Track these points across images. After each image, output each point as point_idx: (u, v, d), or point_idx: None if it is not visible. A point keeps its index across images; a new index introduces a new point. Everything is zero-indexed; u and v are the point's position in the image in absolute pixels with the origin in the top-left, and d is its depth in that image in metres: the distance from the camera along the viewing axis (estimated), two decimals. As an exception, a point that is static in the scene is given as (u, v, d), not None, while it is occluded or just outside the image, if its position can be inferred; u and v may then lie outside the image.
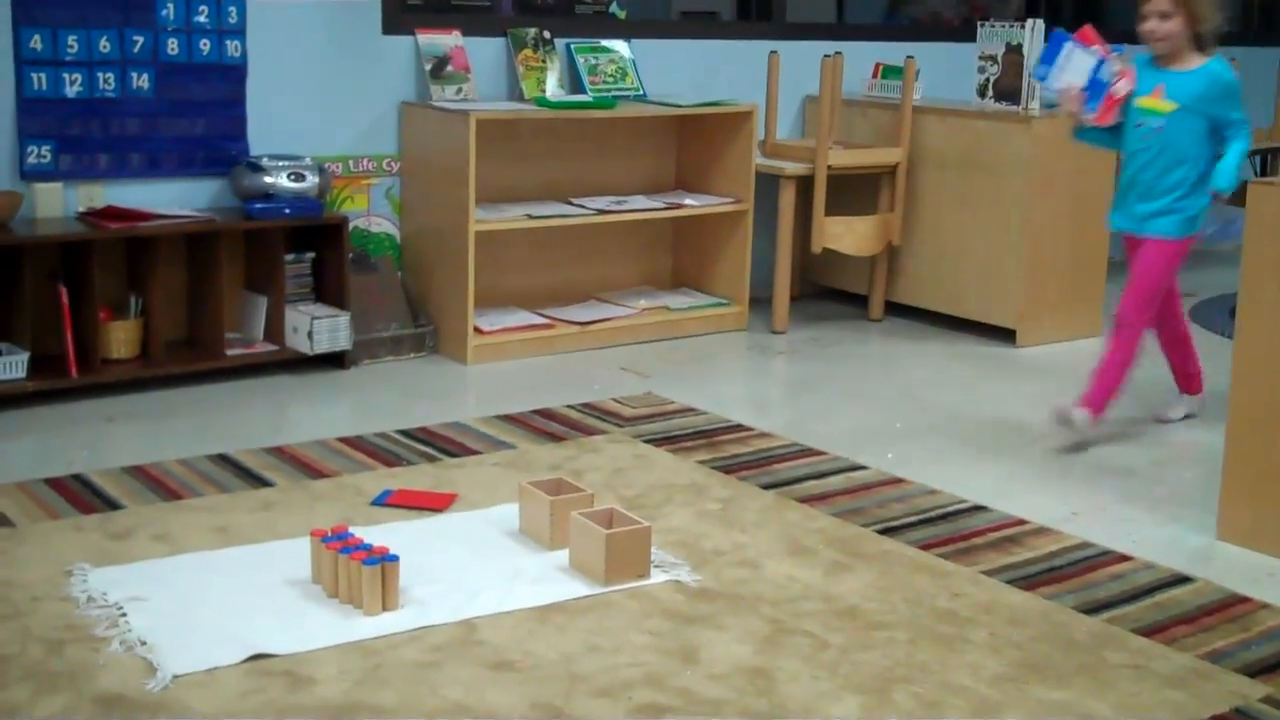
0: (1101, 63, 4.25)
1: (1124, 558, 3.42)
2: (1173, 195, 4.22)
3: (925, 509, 3.72)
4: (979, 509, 3.73)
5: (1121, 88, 4.25)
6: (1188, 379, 4.63)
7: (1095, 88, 4.27)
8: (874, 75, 6.23)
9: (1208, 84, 4.17)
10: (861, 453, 4.16)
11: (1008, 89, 5.68)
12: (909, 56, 5.81)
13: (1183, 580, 3.29)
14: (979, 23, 5.92)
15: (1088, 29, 4.33)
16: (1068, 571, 3.32)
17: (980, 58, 5.80)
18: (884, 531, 3.54)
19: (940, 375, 5.17)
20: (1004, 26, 5.76)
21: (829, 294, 6.32)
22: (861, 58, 6.20)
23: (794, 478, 3.92)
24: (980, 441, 4.36)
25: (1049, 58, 4.34)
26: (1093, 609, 3.11)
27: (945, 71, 6.30)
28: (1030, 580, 3.26)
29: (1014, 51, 5.65)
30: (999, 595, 3.17)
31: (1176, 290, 4.46)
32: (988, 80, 5.77)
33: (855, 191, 5.85)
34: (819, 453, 4.15)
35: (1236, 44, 7.53)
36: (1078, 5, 7.89)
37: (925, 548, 3.43)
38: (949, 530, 3.57)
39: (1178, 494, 3.94)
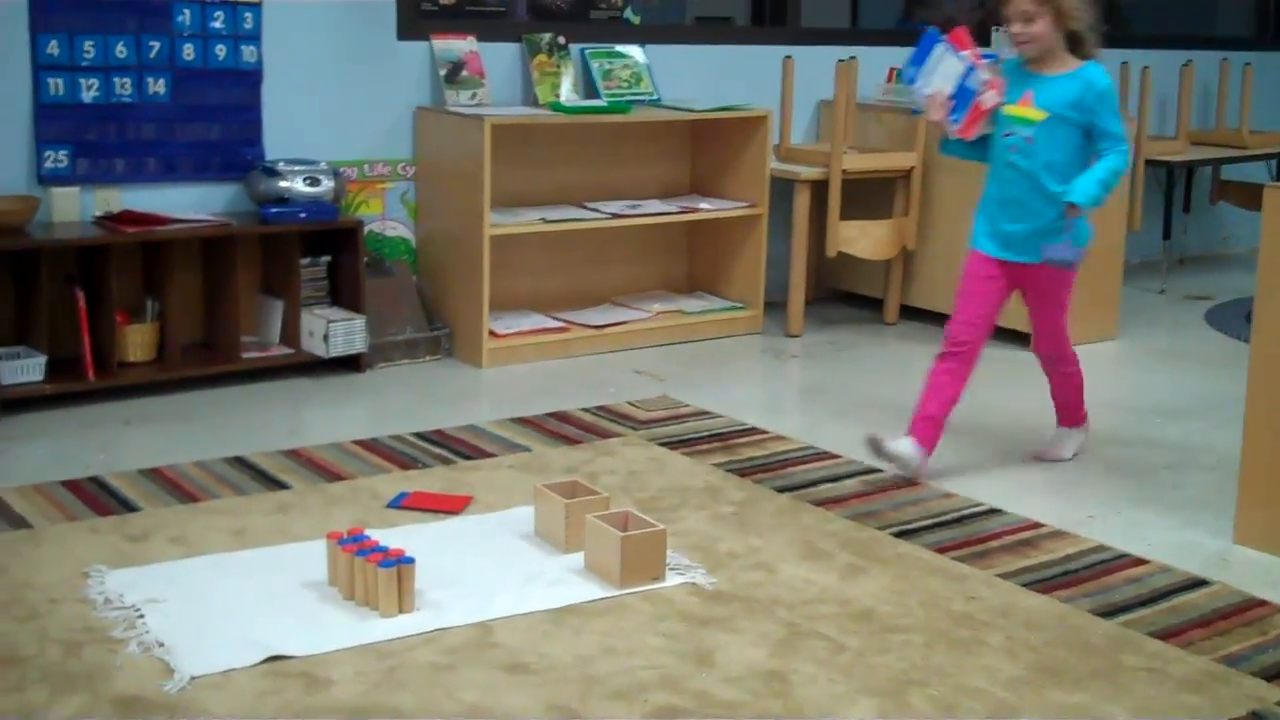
0: (971, 70, 3.86)
1: (1140, 561, 3.41)
2: (1051, 214, 3.83)
3: (940, 512, 3.71)
4: (994, 512, 3.72)
5: (989, 99, 3.86)
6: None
7: (962, 96, 3.88)
8: (888, 80, 6.23)
9: (1081, 89, 3.80)
10: (877, 457, 4.15)
11: (1022, 93, 5.66)
12: (923, 60, 5.81)
13: (1199, 584, 3.29)
14: (994, 28, 5.91)
15: (961, 30, 3.93)
16: (1084, 575, 3.32)
17: (995, 62, 5.79)
18: (899, 535, 3.54)
19: (955, 379, 5.15)
20: (1019, 30, 5.74)
21: (844, 298, 6.32)
22: (876, 62, 6.19)
23: (809, 481, 3.92)
24: (995, 445, 4.36)
25: (919, 58, 3.93)
26: (1109, 612, 3.11)
27: (960, 75, 6.29)
28: (1046, 583, 3.25)
29: (1029, 55, 5.64)
30: (1015, 598, 3.16)
31: (994, 322, 4.03)
32: (1002, 84, 5.75)
33: (870, 196, 5.85)
34: (834, 456, 4.15)
35: (1253, 49, 7.52)
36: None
37: (941, 551, 3.43)
38: (965, 533, 3.56)
39: (1194, 497, 3.93)
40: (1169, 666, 2.85)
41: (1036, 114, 3.83)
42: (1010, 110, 3.87)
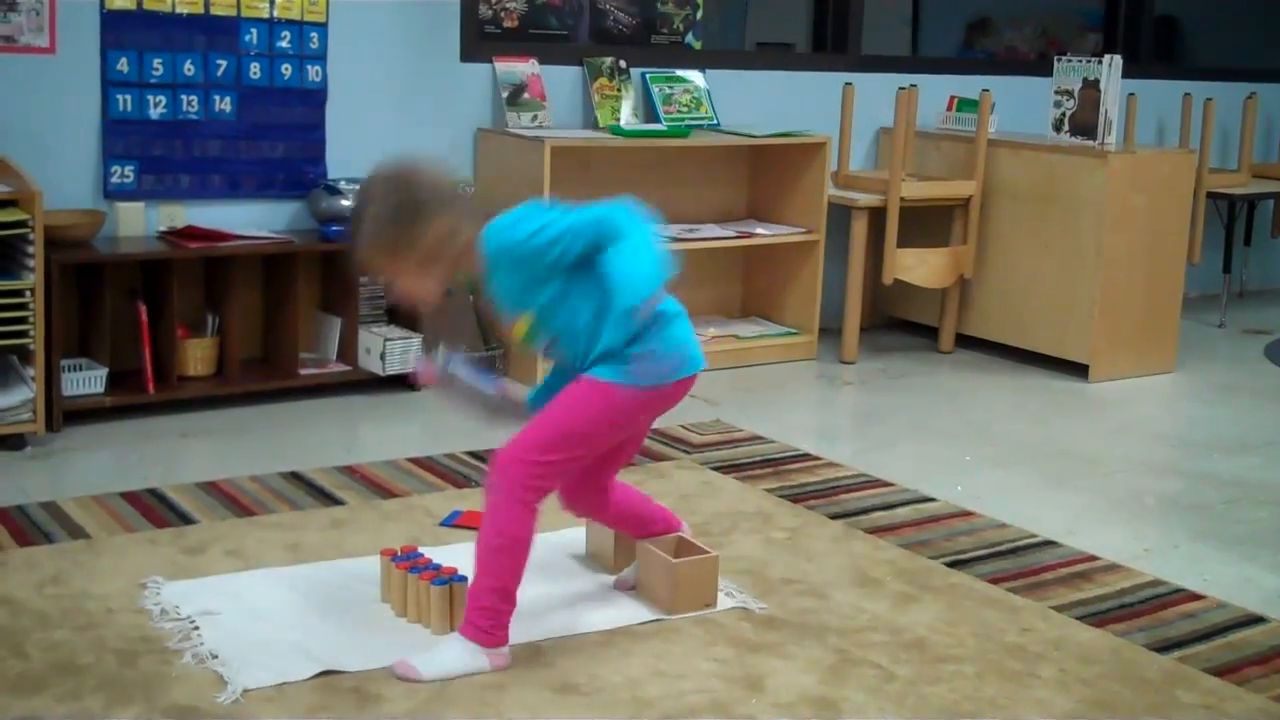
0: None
1: (1196, 596, 3.38)
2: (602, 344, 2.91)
3: (994, 543, 3.69)
4: (1049, 544, 3.70)
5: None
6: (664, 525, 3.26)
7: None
8: (948, 108, 6.22)
9: (495, 251, 2.86)
10: (930, 485, 4.14)
11: (1084, 124, 5.65)
12: (984, 90, 5.80)
13: (1256, 620, 3.25)
14: (1055, 57, 5.90)
15: None
16: (1139, 609, 3.29)
17: (1056, 92, 5.78)
18: (952, 564, 3.52)
19: (1010, 408, 5.13)
20: (1081, 62, 5.73)
21: (899, 325, 6.30)
22: (936, 90, 6.19)
23: (862, 508, 3.90)
24: (1051, 476, 4.33)
25: None
26: (1164, 647, 3.08)
27: (1020, 105, 6.28)
28: (1101, 617, 3.22)
29: (1091, 87, 5.62)
30: (1069, 631, 3.14)
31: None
32: (1063, 115, 5.74)
33: (928, 223, 5.83)
34: (887, 484, 4.14)
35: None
36: (1157, 39, 7.83)
37: (994, 581, 3.41)
38: (1018, 565, 3.54)
39: (1252, 533, 3.89)
40: (1225, 704, 2.82)
41: (523, 321, 2.95)
42: (518, 332, 3.00)
